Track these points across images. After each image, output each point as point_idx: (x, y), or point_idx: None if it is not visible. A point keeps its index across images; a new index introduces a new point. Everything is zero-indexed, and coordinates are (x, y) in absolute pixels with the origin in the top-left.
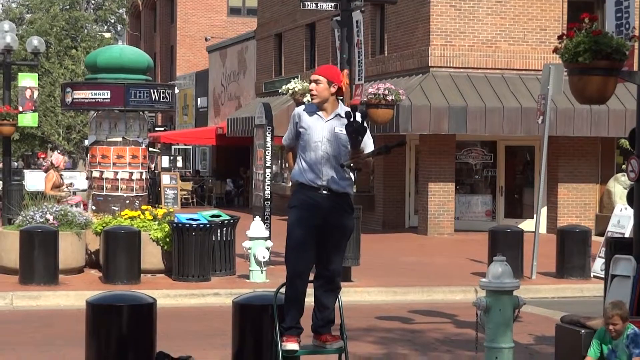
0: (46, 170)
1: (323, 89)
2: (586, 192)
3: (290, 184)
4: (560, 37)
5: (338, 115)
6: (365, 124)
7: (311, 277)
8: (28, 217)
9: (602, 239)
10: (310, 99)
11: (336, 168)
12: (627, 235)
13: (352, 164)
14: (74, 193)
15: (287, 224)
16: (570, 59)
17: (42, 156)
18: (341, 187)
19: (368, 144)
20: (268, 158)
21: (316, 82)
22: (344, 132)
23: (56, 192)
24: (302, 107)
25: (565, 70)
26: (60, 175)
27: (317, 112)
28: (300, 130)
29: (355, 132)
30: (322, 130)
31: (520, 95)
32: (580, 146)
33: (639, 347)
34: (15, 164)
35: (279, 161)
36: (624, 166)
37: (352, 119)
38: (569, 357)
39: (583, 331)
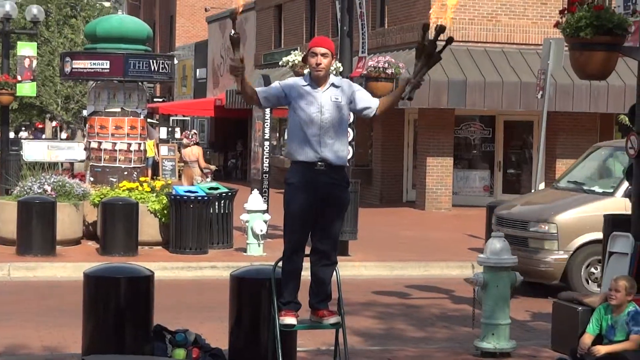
0: (190, 145)
1: (329, 63)
2: None
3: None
4: (561, 12)
5: (333, 84)
6: (436, 43)
7: (307, 252)
8: (26, 188)
9: None
10: (313, 72)
11: (335, 139)
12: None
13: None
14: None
15: (284, 200)
16: (572, 34)
17: (40, 126)
18: (339, 159)
19: (364, 98)
20: (267, 130)
21: (324, 55)
22: (342, 100)
23: (208, 165)
24: (294, 79)
25: (566, 45)
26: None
27: (311, 84)
28: (292, 102)
29: (422, 49)
30: (320, 99)
31: (520, 70)
32: (579, 122)
33: (638, 324)
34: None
35: (277, 134)
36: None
37: (424, 37)
38: (566, 334)
39: (580, 308)
